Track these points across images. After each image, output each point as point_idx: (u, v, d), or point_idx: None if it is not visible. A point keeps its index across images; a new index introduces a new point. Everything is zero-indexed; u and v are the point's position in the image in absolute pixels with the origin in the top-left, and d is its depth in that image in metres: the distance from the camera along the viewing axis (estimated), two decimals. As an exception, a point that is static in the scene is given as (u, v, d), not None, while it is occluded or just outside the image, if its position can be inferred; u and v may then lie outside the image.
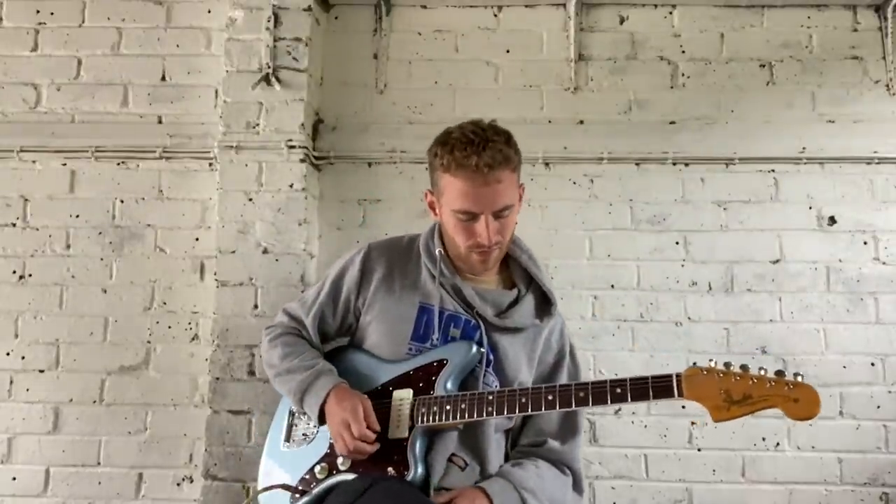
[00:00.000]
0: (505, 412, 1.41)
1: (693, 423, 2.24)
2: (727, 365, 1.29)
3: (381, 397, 1.53)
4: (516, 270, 1.66)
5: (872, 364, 2.24)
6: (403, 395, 1.51)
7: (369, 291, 1.64)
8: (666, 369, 2.18)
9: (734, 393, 1.26)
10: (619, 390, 1.34)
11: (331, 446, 1.53)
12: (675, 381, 1.31)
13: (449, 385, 1.49)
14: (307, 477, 1.53)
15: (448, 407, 1.45)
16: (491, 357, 1.55)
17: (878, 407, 2.22)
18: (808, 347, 2.25)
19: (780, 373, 1.26)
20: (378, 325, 1.62)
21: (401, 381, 1.53)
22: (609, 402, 1.34)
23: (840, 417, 2.22)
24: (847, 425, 2.22)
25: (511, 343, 1.57)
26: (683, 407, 2.24)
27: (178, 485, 2.25)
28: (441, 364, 1.51)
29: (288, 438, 1.63)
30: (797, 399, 1.23)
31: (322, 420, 1.55)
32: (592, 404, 1.36)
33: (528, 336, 1.60)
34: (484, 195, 1.48)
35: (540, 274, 1.65)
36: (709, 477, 2.22)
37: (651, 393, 1.31)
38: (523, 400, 1.39)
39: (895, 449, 2.20)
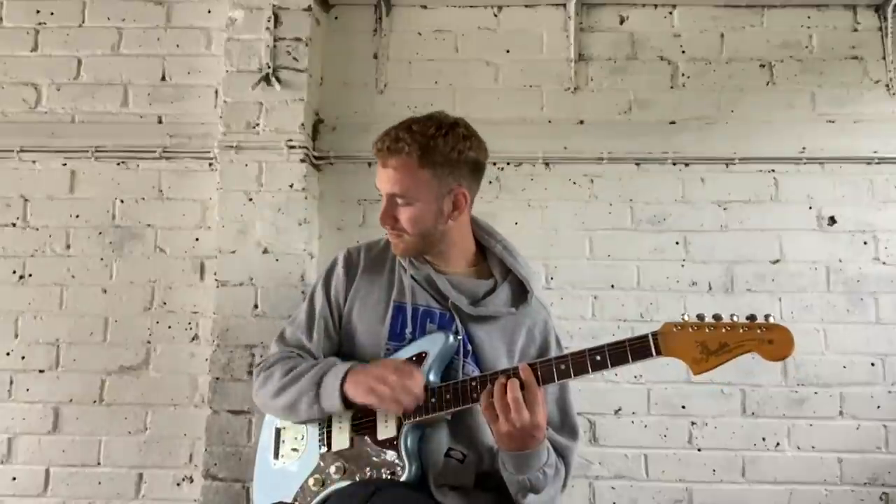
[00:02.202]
0: None
1: (693, 423, 2.24)
2: (700, 317, 1.29)
3: None
4: (493, 261, 1.65)
5: (872, 364, 2.24)
6: None
7: (351, 291, 1.64)
8: (666, 369, 2.21)
9: (710, 344, 1.27)
10: (598, 358, 1.33)
11: (321, 457, 1.52)
12: (651, 340, 1.30)
13: (431, 377, 1.47)
14: (301, 492, 1.52)
15: (433, 399, 1.44)
16: (469, 347, 1.53)
17: (878, 407, 2.22)
18: (808, 347, 2.25)
19: (751, 317, 1.27)
20: (357, 326, 1.61)
21: None
22: (590, 370, 1.34)
23: (840, 417, 2.23)
24: (847, 425, 2.22)
25: (488, 333, 1.55)
26: (683, 407, 2.25)
27: (178, 485, 2.25)
28: (420, 357, 1.49)
29: (276, 455, 1.61)
30: (771, 340, 1.25)
31: (347, 404, 1.46)
32: (574, 375, 1.35)
33: (506, 326, 1.57)
34: (381, 174, 1.54)
35: (516, 263, 1.62)
36: (709, 477, 2.22)
37: (630, 356, 1.31)
38: (504, 381, 1.37)
39: (895, 449, 2.21)
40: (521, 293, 1.60)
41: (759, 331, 1.25)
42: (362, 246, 1.72)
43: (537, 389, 1.35)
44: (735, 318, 1.27)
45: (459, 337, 1.52)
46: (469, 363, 1.52)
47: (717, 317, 1.29)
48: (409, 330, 1.55)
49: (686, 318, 1.30)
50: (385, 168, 1.53)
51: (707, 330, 1.27)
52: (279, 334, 1.68)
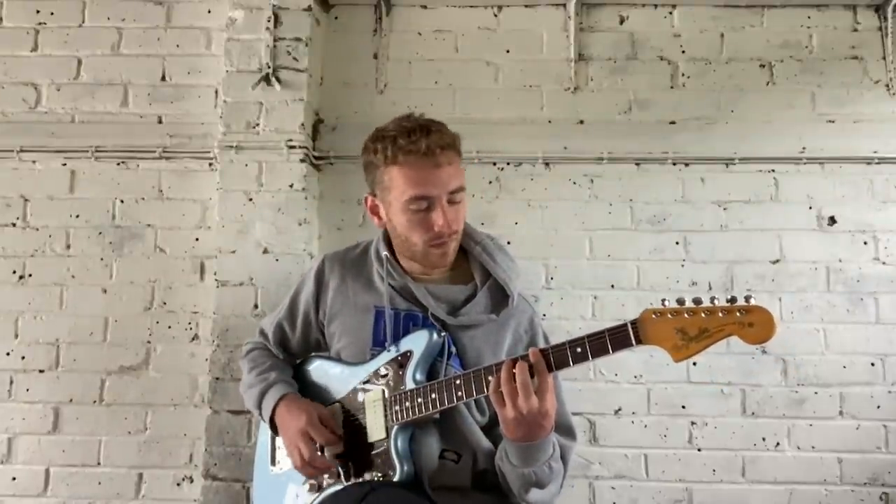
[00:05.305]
0: (474, 393, 1.38)
1: (693, 423, 2.24)
2: (680, 301, 1.26)
3: (353, 402, 1.52)
4: (473, 263, 1.62)
5: (872, 364, 2.24)
6: (375, 396, 1.49)
7: (327, 304, 1.63)
8: (667, 369, 2.22)
9: (690, 330, 1.23)
10: (579, 350, 1.31)
11: None
12: (630, 329, 1.27)
13: (418, 376, 1.46)
14: (297, 498, 1.52)
15: (419, 399, 1.43)
16: (452, 349, 1.52)
17: (878, 407, 2.22)
18: (808, 347, 2.25)
19: (732, 299, 1.24)
20: (340, 336, 1.61)
21: (370, 382, 1.51)
22: (571, 363, 1.31)
23: (840, 417, 2.23)
24: (847, 425, 2.22)
25: (471, 338, 1.53)
26: (683, 407, 2.25)
27: (178, 485, 2.25)
28: (406, 356, 1.48)
29: (273, 462, 1.62)
30: (752, 323, 1.21)
31: (277, 432, 1.56)
32: (556, 368, 1.33)
33: (490, 329, 1.55)
34: (437, 177, 1.44)
35: (495, 266, 1.58)
36: (709, 477, 2.22)
37: (610, 346, 1.28)
38: (489, 378, 1.36)
39: (895, 449, 2.20)
40: (502, 297, 1.58)
41: (738, 314, 1.22)
42: (339, 254, 1.69)
43: (548, 375, 1.32)
44: (716, 302, 1.24)
45: (444, 334, 1.51)
46: (452, 365, 1.50)
47: (697, 301, 1.25)
48: (391, 337, 1.53)
49: (666, 303, 1.26)
50: (440, 168, 1.44)
51: (686, 316, 1.24)
52: (262, 320, 1.82)
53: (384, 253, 1.58)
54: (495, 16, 2.45)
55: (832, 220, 2.30)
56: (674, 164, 2.34)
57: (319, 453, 1.46)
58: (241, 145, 2.24)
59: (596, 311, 2.29)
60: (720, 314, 1.23)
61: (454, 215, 1.49)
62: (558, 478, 1.46)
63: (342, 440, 1.49)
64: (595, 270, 2.31)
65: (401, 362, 1.49)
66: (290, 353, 1.73)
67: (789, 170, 2.32)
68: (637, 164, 2.35)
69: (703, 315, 1.24)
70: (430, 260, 1.55)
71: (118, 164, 2.38)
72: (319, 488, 1.50)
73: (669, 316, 1.25)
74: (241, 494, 2.09)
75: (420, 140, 1.43)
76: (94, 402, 2.28)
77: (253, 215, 2.21)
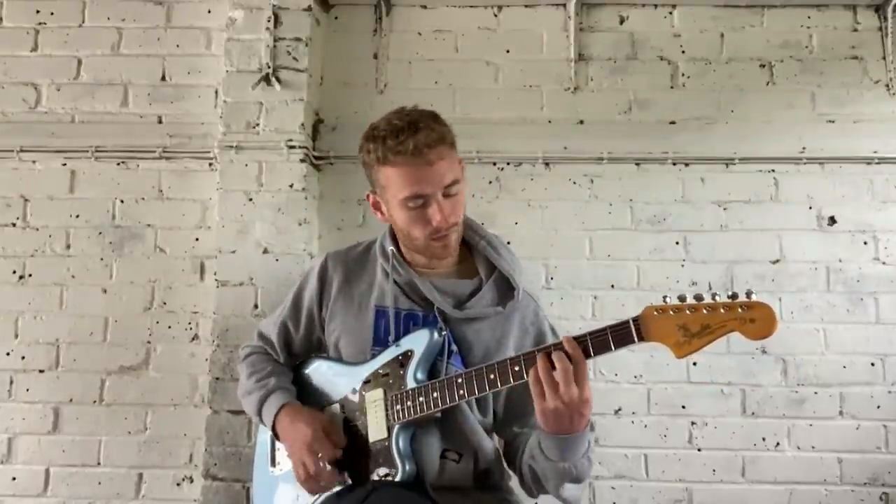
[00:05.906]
0: (476, 391, 1.38)
1: (693, 423, 2.24)
2: (682, 298, 1.25)
3: (353, 402, 1.52)
4: (478, 258, 1.61)
5: (872, 364, 2.24)
6: (376, 396, 1.48)
7: (330, 301, 1.62)
8: (667, 369, 2.21)
9: (692, 326, 1.23)
10: (580, 347, 1.30)
11: None
12: (633, 326, 1.27)
13: (419, 375, 1.46)
14: (298, 499, 1.52)
15: (421, 398, 1.42)
16: (453, 347, 1.51)
17: (878, 407, 2.22)
18: (808, 347, 2.25)
19: (733, 296, 1.23)
20: (340, 335, 1.60)
21: (371, 382, 1.51)
22: None
23: (840, 417, 2.23)
24: (847, 425, 2.22)
25: (476, 332, 1.53)
26: (683, 407, 2.25)
27: (178, 485, 2.25)
28: (407, 356, 1.48)
29: (273, 462, 1.61)
30: (753, 319, 1.20)
31: (278, 439, 1.56)
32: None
33: (495, 324, 1.54)
34: (429, 175, 1.43)
35: (500, 259, 1.58)
36: (709, 477, 2.22)
37: (612, 343, 1.28)
38: (492, 376, 1.35)
39: (895, 449, 2.21)
40: (507, 290, 1.57)
41: (740, 310, 1.21)
42: (341, 252, 1.68)
43: (585, 364, 1.29)
44: (717, 298, 1.23)
45: (444, 332, 1.50)
46: (453, 363, 1.50)
47: (698, 297, 1.24)
48: (391, 337, 1.52)
49: (668, 300, 1.26)
50: (431, 166, 1.43)
51: (688, 312, 1.24)
52: (261, 323, 1.76)
53: (390, 248, 1.58)
54: (495, 16, 2.45)
55: (832, 220, 2.31)
56: (674, 164, 2.34)
57: (326, 466, 1.45)
58: (241, 145, 2.24)
59: (596, 311, 2.30)
60: (722, 310, 1.22)
61: (451, 208, 1.47)
62: (589, 472, 1.43)
63: (342, 447, 1.48)
64: (595, 270, 2.31)
65: (401, 362, 1.48)
66: (293, 354, 1.71)
67: (789, 170, 2.32)
68: (637, 164, 2.35)
69: (704, 311, 1.23)
70: (433, 252, 1.55)
71: (118, 164, 2.38)
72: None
73: (671, 312, 1.25)
74: (241, 494, 2.09)
75: (407, 141, 1.42)
76: (94, 402, 2.28)
77: (253, 215, 2.21)
